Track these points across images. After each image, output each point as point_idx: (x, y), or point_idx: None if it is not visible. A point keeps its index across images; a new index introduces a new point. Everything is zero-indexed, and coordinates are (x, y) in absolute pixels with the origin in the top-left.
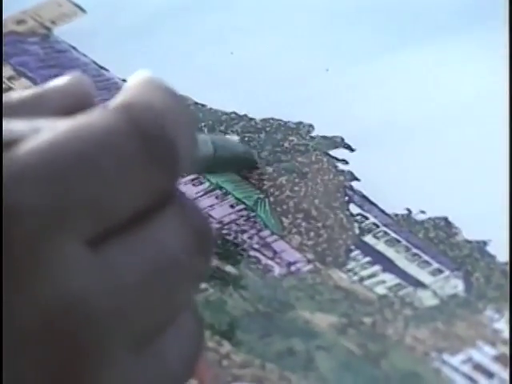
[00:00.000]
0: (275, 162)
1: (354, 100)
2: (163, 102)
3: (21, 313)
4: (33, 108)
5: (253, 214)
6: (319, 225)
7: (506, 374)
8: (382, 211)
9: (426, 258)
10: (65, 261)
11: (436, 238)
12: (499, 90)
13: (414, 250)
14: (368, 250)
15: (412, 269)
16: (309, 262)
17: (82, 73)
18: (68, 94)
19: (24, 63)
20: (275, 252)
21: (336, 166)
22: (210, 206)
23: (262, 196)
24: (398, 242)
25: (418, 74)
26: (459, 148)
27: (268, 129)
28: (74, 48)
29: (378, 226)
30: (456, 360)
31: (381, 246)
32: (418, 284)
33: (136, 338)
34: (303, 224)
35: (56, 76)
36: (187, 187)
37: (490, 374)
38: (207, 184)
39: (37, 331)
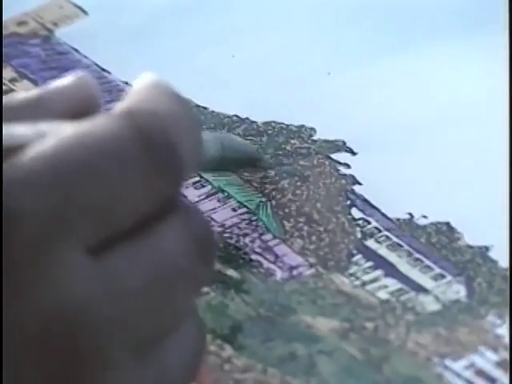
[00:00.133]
0: (277, 165)
1: (356, 103)
2: (167, 107)
3: (21, 318)
4: (36, 110)
5: (255, 218)
6: (321, 229)
7: (507, 380)
8: (384, 215)
9: (428, 262)
10: (66, 267)
11: (438, 242)
12: (500, 92)
13: (416, 255)
14: (370, 254)
15: (414, 274)
16: (311, 266)
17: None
18: (72, 96)
19: (25, 65)
20: (277, 256)
21: (338, 170)
22: (212, 210)
23: (263, 199)
24: (400, 246)
25: (419, 76)
26: (461, 152)
27: (270, 132)
28: (75, 50)
29: (380, 231)
30: (458, 365)
31: (383, 251)
32: (420, 289)
33: (137, 344)
34: (305, 228)
35: (57, 78)
36: (189, 190)
37: (492, 380)
38: (209, 187)
39: (37, 337)
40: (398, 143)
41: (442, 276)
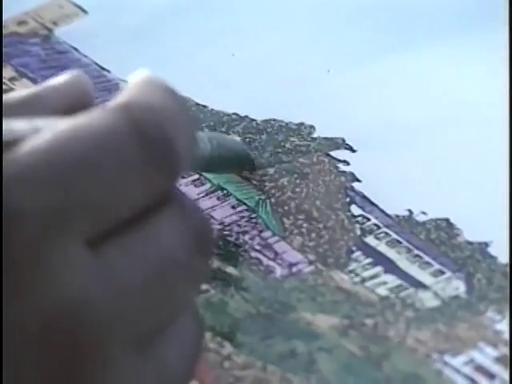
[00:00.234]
0: (276, 163)
1: (356, 101)
2: (163, 102)
3: (21, 315)
4: (32, 107)
5: (254, 215)
6: (320, 226)
7: (507, 376)
8: (384, 212)
9: (427, 259)
10: (65, 262)
11: (437, 239)
12: (500, 91)
13: (416, 252)
14: (369, 251)
15: (413, 270)
16: (310, 263)
17: (85, 73)
18: (67, 93)
19: (25, 64)
20: (276, 253)
21: (337, 167)
22: (212, 207)
23: (263, 197)
24: (400, 243)
25: (419, 75)
26: (461, 149)
27: (269, 130)
28: (75, 49)
29: (379, 227)
30: (457, 361)
31: (382, 247)
32: (420, 285)
33: (136, 339)
34: (304, 225)
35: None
36: (189, 188)
37: (491, 376)
38: (208, 185)
39: (37, 335)
40: (397, 141)
41: (442, 272)
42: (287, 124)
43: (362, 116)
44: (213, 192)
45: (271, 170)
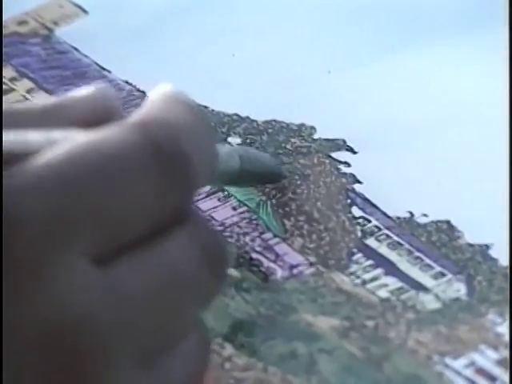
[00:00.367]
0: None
1: (356, 102)
2: (181, 117)
3: (21, 317)
4: (54, 117)
5: (255, 217)
6: (321, 227)
7: (508, 378)
8: (384, 214)
9: (428, 261)
10: (67, 272)
11: (438, 241)
12: (500, 91)
13: (417, 254)
14: (370, 253)
15: (414, 272)
16: (311, 264)
17: (85, 73)
18: (91, 106)
19: (26, 64)
20: (277, 255)
21: (338, 169)
22: (212, 209)
23: (264, 198)
24: (401, 245)
25: (420, 75)
26: (462, 151)
27: (270, 131)
28: (75, 49)
29: (380, 229)
30: (458, 364)
31: (383, 249)
32: (420, 287)
33: (141, 354)
34: (305, 226)
35: (57, 77)
36: None
37: (492, 378)
38: (209, 186)
39: (36, 340)
40: (398, 142)
41: (443, 274)
42: (288, 125)
43: (363, 116)
44: (214, 193)
45: None
